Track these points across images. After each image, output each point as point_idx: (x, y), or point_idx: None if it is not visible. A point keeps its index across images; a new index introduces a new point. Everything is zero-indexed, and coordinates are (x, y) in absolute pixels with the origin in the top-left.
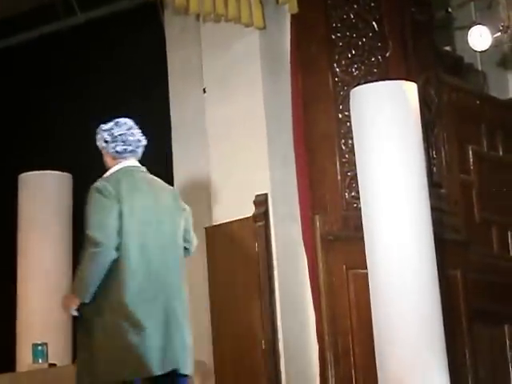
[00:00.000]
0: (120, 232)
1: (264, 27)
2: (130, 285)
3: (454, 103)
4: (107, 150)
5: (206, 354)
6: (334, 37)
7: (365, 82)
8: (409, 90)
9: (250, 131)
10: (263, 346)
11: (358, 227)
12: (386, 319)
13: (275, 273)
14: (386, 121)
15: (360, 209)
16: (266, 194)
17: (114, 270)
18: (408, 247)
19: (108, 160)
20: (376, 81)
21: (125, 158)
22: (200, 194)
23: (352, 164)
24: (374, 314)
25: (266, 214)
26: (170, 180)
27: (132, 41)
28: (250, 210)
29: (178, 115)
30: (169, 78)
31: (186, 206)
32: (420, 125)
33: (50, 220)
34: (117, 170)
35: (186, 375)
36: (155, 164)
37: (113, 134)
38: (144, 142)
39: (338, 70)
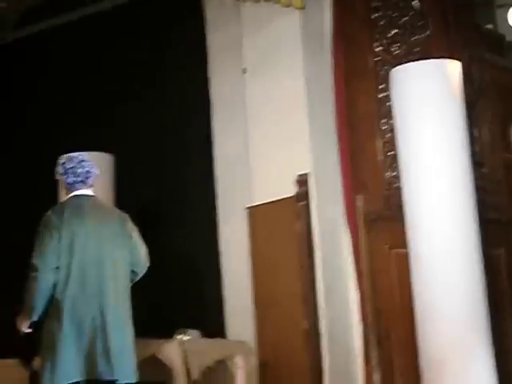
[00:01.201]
0: (58, 258)
1: (303, 8)
2: (66, 302)
3: (496, 81)
4: (62, 182)
5: (248, 334)
6: (374, 16)
7: (406, 62)
8: (451, 69)
9: (291, 111)
10: (305, 326)
11: (400, 206)
12: (428, 299)
13: (317, 253)
14: (428, 100)
15: (401, 188)
16: (307, 174)
17: (55, 290)
18: (450, 226)
19: (64, 190)
20: (417, 60)
21: (76, 189)
22: (241, 174)
23: (393, 144)
24: (416, 293)
25: (307, 194)
26: (210, 160)
27: (172, 21)
28: (290, 190)
29: (218, 95)
30: (208, 57)
31: (134, 230)
32: (463, 104)
33: None
34: (66, 200)
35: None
36: (196, 146)
37: (65, 167)
38: (94, 172)
39: (378, 49)
